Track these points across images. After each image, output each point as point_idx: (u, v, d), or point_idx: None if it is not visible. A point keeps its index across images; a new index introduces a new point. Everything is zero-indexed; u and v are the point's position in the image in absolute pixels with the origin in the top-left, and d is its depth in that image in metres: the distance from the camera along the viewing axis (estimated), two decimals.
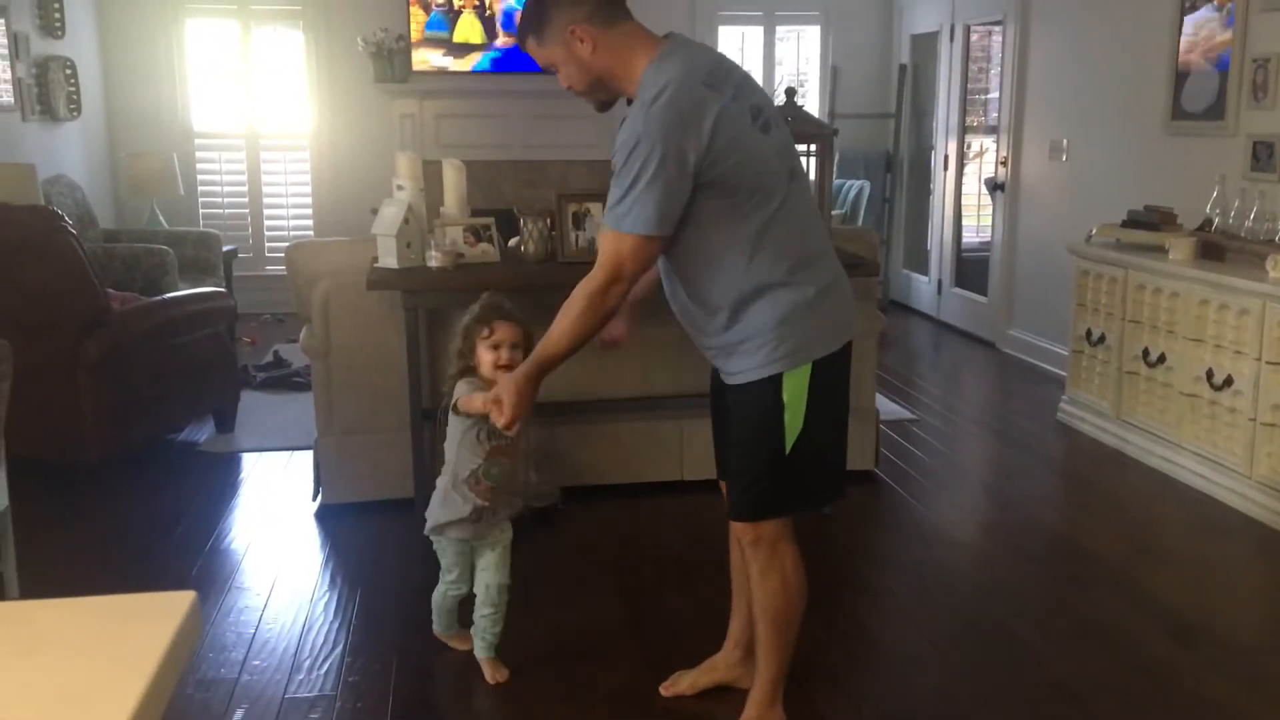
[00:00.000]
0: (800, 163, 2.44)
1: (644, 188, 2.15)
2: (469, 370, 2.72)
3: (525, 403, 2.34)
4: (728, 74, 2.26)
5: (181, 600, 1.08)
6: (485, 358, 2.69)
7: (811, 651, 2.81)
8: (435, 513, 2.79)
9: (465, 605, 2.95)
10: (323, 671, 2.92)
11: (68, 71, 6.57)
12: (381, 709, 2.73)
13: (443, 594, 2.93)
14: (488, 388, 2.61)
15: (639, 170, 2.14)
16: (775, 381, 2.30)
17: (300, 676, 2.90)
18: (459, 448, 2.73)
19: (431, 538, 2.86)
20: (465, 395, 2.62)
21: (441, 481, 2.79)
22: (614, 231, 2.22)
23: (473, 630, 2.90)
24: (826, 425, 2.37)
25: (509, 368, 2.59)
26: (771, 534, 2.40)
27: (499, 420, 2.35)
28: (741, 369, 2.33)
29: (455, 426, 2.74)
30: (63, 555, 3.59)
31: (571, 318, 2.28)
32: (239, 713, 2.72)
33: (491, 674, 2.86)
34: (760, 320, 2.28)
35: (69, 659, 0.99)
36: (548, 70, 2.37)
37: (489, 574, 2.83)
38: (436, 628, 3.02)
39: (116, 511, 4.03)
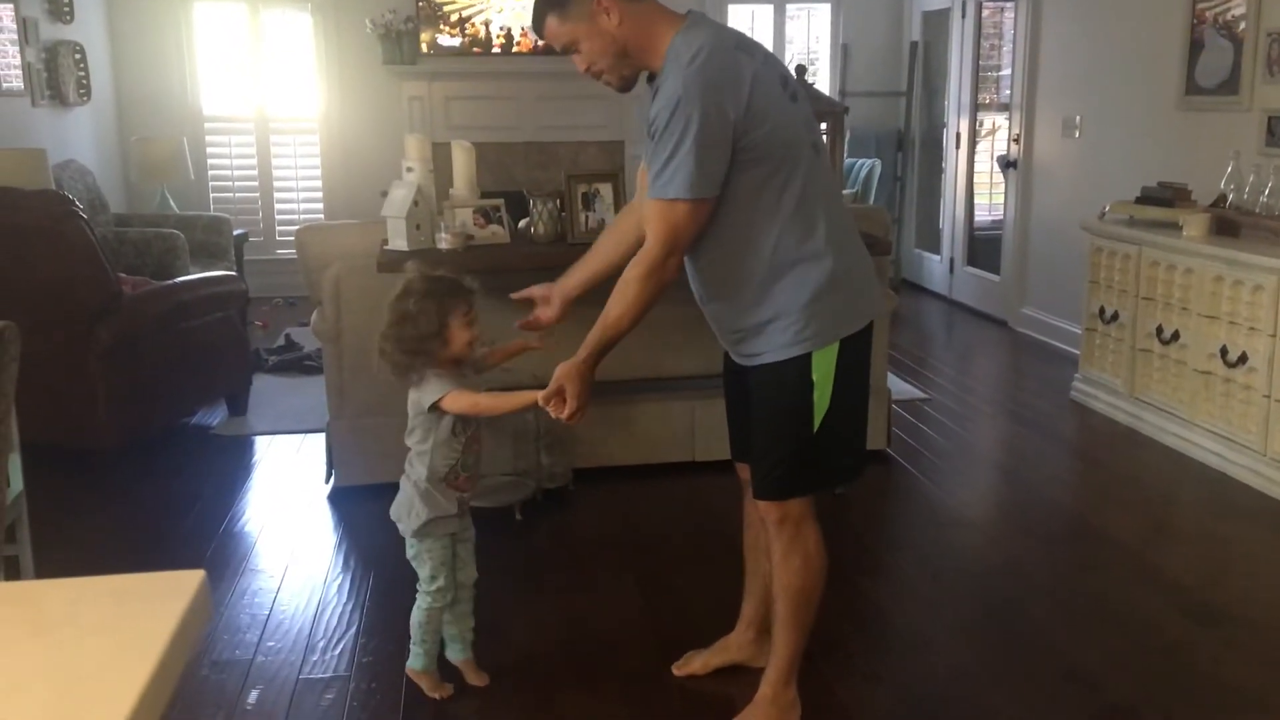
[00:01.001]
0: (822, 138, 2.43)
1: (688, 149, 2.13)
2: (426, 356, 2.51)
3: (589, 392, 2.30)
4: (755, 45, 2.31)
5: (190, 579, 1.07)
6: (461, 336, 2.51)
7: (824, 631, 2.80)
8: (418, 512, 2.59)
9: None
10: (336, 653, 2.93)
11: (77, 56, 6.57)
12: (395, 690, 2.74)
13: (428, 607, 2.66)
14: (455, 376, 2.53)
15: (681, 132, 2.12)
16: (804, 361, 2.29)
17: (314, 658, 2.91)
18: (439, 446, 2.56)
19: (415, 544, 2.64)
20: (454, 392, 2.48)
21: (415, 485, 2.60)
22: (663, 201, 2.18)
23: (445, 635, 2.76)
24: (851, 404, 2.38)
25: (471, 345, 2.54)
26: (796, 513, 2.40)
27: (559, 413, 2.28)
28: (768, 348, 2.32)
29: (427, 424, 2.56)
30: (77, 539, 3.61)
31: (630, 298, 2.24)
32: (254, 693, 2.74)
33: (474, 677, 2.77)
34: (788, 298, 2.26)
35: (78, 639, 0.99)
36: (565, 52, 2.35)
37: (464, 572, 2.73)
38: (419, 662, 2.71)
39: (130, 495, 4.05)
